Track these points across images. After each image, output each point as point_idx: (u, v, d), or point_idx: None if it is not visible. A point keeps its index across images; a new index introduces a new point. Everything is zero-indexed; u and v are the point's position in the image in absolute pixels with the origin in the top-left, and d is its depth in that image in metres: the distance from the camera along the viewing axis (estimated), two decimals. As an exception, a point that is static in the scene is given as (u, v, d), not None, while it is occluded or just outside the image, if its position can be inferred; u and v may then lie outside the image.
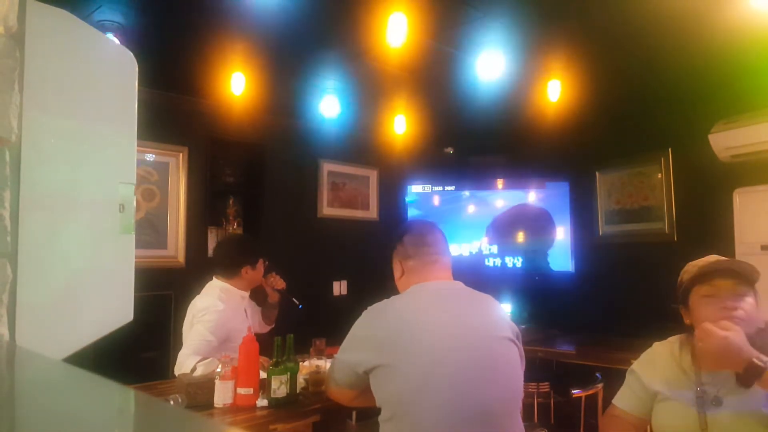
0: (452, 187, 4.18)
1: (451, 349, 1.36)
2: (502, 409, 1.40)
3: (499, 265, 4.00)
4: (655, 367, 1.44)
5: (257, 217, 3.66)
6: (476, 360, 1.37)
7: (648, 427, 1.47)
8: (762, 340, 1.30)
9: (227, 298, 2.33)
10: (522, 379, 1.49)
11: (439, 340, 1.36)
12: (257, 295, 2.59)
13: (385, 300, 1.49)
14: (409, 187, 4.22)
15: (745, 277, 1.32)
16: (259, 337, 2.30)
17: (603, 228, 3.82)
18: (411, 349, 1.35)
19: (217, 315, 2.21)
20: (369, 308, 1.49)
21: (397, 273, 1.61)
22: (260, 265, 2.43)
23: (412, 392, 1.32)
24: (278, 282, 2.53)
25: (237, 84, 2.89)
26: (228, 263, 2.40)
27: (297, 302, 2.48)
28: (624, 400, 1.48)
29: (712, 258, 1.40)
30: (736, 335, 1.22)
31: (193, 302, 2.32)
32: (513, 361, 1.46)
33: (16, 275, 0.72)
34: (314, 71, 3.02)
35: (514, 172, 4.15)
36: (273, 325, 2.61)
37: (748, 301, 1.31)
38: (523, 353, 1.51)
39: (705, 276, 1.36)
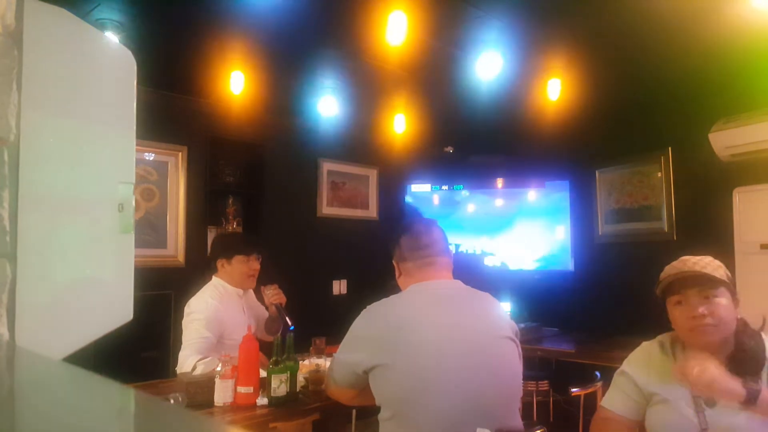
0: (452, 186, 4.18)
1: (451, 347, 1.36)
2: (502, 407, 1.40)
3: (499, 264, 4.00)
4: (649, 369, 1.41)
5: (257, 217, 3.66)
6: (476, 358, 1.37)
7: (638, 430, 1.44)
8: (750, 337, 1.32)
9: (220, 294, 2.34)
10: (521, 377, 1.49)
11: (438, 339, 1.36)
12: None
13: (384, 299, 1.49)
14: (408, 186, 4.22)
15: (711, 281, 1.32)
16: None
17: (603, 227, 3.82)
18: (410, 348, 1.35)
19: (207, 312, 2.22)
20: (368, 307, 1.49)
21: (396, 273, 1.62)
22: (237, 261, 2.38)
23: (412, 391, 1.32)
24: (274, 296, 2.39)
25: (236, 83, 2.89)
26: (210, 258, 2.48)
27: (290, 323, 2.32)
28: (616, 402, 1.45)
29: (679, 265, 1.39)
30: (713, 370, 1.20)
31: (188, 302, 2.33)
32: (512, 360, 1.46)
33: (15, 275, 0.72)
34: (314, 70, 3.02)
35: (514, 172, 4.15)
36: (275, 337, 2.54)
37: (719, 302, 1.31)
38: (521, 351, 1.52)
39: (672, 285, 1.37)
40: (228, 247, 2.44)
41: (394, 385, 1.35)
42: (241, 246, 2.44)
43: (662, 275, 1.41)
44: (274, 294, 2.41)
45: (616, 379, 1.47)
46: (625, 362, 1.48)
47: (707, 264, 1.35)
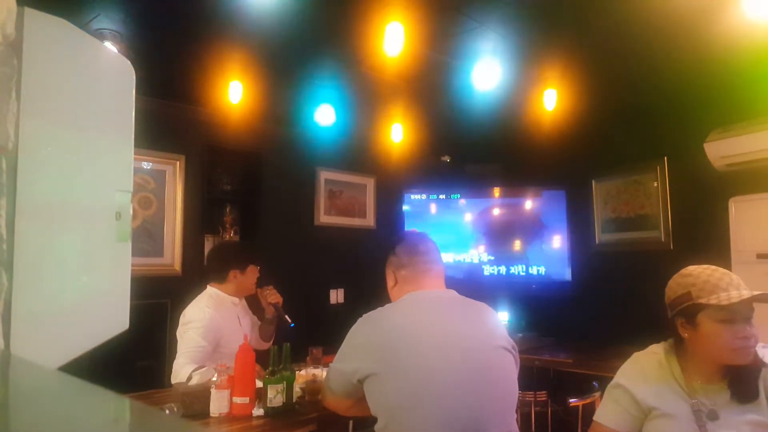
0: (449, 195, 4.19)
1: (446, 357, 1.36)
2: (498, 417, 1.39)
3: (496, 273, 4.00)
4: (647, 381, 1.36)
5: (254, 225, 3.66)
6: (471, 368, 1.37)
7: None
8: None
9: (215, 303, 2.33)
10: (517, 387, 1.49)
11: (433, 349, 1.36)
12: (257, 311, 2.57)
13: (380, 308, 1.49)
14: (406, 195, 4.23)
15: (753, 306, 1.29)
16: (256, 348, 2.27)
17: (599, 236, 3.83)
18: (405, 357, 1.34)
19: (204, 321, 2.22)
20: (363, 316, 1.48)
21: (390, 283, 1.61)
22: (251, 271, 2.42)
23: (407, 401, 1.32)
24: (272, 296, 2.45)
25: (234, 92, 2.90)
26: (217, 267, 2.44)
27: (289, 321, 2.38)
28: (611, 417, 1.38)
29: (726, 279, 1.29)
30: None
31: (183, 311, 2.32)
32: (508, 370, 1.45)
33: (11, 284, 0.71)
34: (311, 80, 3.03)
35: (511, 181, 4.16)
36: (270, 343, 2.54)
37: (755, 323, 1.29)
38: (518, 361, 1.51)
39: (733, 305, 1.25)
40: (241, 257, 2.45)
41: (388, 394, 1.34)
42: (256, 256, 2.49)
43: (701, 284, 1.30)
44: (271, 294, 2.46)
45: (611, 391, 1.41)
46: (619, 374, 1.42)
47: (741, 282, 1.30)
